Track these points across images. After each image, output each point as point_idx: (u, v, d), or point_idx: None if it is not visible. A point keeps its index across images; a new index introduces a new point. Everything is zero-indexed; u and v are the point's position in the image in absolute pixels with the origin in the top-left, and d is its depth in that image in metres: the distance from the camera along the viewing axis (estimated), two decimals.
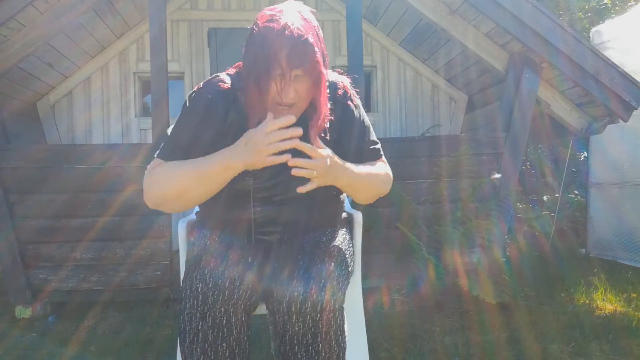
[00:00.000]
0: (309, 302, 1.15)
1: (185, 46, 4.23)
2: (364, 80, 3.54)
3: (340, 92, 1.37)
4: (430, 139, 3.34)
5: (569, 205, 5.17)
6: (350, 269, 1.34)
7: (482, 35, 3.21)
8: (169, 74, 3.02)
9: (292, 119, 1.12)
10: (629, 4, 6.85)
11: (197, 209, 1.54)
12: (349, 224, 1.54)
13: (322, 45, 1.23)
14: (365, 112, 1.46)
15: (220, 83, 1.31)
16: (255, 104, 1.22)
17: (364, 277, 1.81)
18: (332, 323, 1.19)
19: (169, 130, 1.36)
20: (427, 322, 2.65)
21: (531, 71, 3.09)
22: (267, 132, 1.12)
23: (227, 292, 1.15)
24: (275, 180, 1.31)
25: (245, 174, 1.25)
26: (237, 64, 1.36)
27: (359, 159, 1.37)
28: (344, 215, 1.52)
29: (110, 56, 4.09)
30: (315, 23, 1.23)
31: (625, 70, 3.07)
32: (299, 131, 1.12)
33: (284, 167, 1.16)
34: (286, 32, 1.14)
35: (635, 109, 3.09)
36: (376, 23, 4.27)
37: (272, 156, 1.13)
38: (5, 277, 2.88)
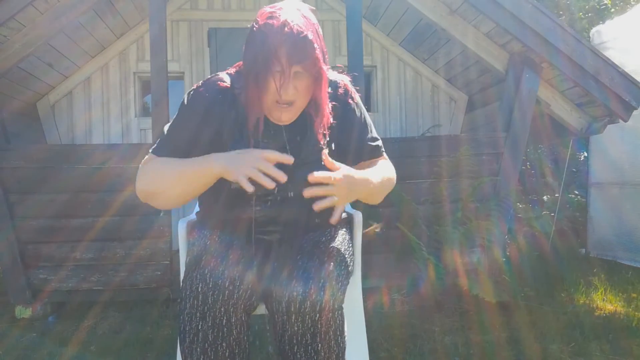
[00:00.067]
0: (308, 302, 1.15)
1: (185, 46, 4.23)
2: (364, 80, 3.54)
3: (341, 90, 1.37)
4: (430, 139, 3.34)
5: (569, 205, 5.17)
6: (350, 269, 1.34)
7: (482, 35, 3.21)
8: (169, 74, 3.02)
9: (291, 160, 1.15)
10: (629, 4, 6.85)
11: (197, 209, 1.54)
12: (349, 224, 1.53)
13: (322, 43, 1.23)
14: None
15: (219, 82, 1.31)
16: (254, 102, 1.22)
17: (364, 277, 1.81)
18: (331, 323, 1.18)
19: (166, 128, 1.36)
20: (427, 322, 2.65)
21: (531, 71, 3.09)
22: (263, 158, 1.13)
23: (227, 292, 1.15)
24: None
25: None
26: (237, 64, 1.36)
27: (360, 157, 1.38)
28: (344, 215, 1.52)
29: (110, 56, 4.10)
30: (315, 21, 1.23)
31: (626, 70, 3.07)
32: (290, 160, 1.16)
33: (284, 167, 1.16)
34: (286, 28, 1.14)
35: (635, 109, 3.09)
36: (376, 23, 4.27)
37: (243, 179, 1.12)
38: (5, 277, 2.88)
